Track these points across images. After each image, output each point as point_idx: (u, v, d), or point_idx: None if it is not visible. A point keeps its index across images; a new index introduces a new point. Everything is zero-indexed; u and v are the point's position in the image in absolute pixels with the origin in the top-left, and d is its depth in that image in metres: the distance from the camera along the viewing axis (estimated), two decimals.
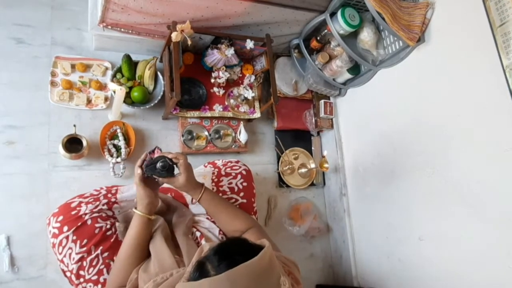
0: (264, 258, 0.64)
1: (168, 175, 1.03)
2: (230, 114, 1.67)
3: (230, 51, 1.52)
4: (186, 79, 1.59)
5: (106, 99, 1.53)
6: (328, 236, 1.95)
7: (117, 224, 1.12)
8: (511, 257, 1.06)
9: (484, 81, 1.13)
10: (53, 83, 1.46)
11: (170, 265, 0.92)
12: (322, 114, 1.85)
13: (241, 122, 1.72)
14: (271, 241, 1.05)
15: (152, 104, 1.54)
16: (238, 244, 0.70)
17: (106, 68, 1.56)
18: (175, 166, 1.04)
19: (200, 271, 0.64)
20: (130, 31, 1.44)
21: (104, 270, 1.05)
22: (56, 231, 1.04)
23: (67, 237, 1.03)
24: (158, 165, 1.00)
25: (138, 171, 1.02)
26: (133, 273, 0.96)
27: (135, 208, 1.04)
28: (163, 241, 1.01)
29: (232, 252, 0.65)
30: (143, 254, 1.01)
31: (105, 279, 1.04)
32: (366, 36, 1.49)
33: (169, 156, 1.02)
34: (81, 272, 1.03)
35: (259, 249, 0.65)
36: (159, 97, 1.55)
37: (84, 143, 1.39)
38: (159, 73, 1.59)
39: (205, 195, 1.08)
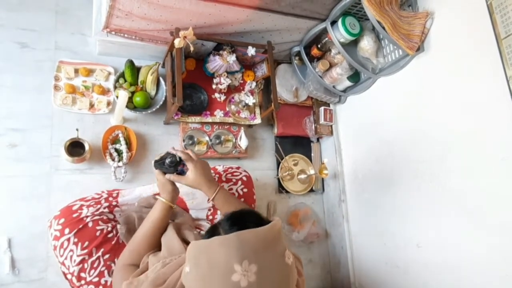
0: (274, 228, 0.68)
1: (176, 172, 1.07)
2: (231, 120, 1.68)
3: (232, 58, 1.53)
4: (188, 84, 1.61)
5: (108, 103, 1.54)
6: (327, 242, 1.96)
7: (118, 226, 1.13)
8: (509, 265, 1.07)
9: (484, 91, 1.14)
10: (56, 87, 1.47)
11: (179, 250, 0.94)
12: (322, 121, 1.87)
13: (242, 128, 1.73)
14: None
15: (154, 109, 1.56)
16: (251, 214, 0.74)
17: (109, 73, 1.57)
18: (184, 163, 1.07)
19: (212, 233, 0.68)
20: (133, 37, 1.46)
21: (105, 272, 1.06)
22: (58, 233, 1.05)
23: (68, 240, 1.04)
24: (167, 161, 1.05)
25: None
26: (145, 257, 0.97)
27: (158, 195, 1.07)
28: (173, 231, 1.02)
29: (244, 219, 0.70)
30: (158, 241, 1.02)
31: (106, 281, 1.06)
32: (366, 44, 1.51)
33: (179, 153, 1.06)
34: (82, 274, 1.04)
35: (269, 222, 0.70)
36: (161, 102, 1.57)
37: (86, 147, 1.40)
38: (161, 78, 1.60)
39: (219, 196, 1.07)
